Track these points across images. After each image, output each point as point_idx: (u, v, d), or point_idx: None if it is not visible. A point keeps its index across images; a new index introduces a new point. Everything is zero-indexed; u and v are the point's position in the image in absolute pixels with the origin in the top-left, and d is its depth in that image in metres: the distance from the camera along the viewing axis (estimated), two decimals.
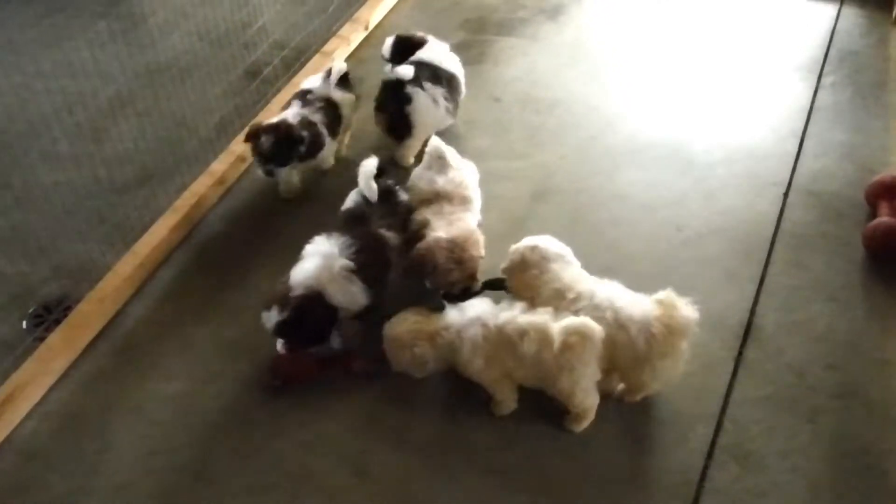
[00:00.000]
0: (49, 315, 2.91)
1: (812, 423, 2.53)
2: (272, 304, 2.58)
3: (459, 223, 2.80)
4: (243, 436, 2.55)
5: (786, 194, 3.24)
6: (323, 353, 2.70)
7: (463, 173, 3.00)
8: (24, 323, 2.89)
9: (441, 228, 2.76)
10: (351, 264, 2.62)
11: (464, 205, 2.92)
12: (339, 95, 3.33)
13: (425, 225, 2.79)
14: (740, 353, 2.70)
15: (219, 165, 3.37)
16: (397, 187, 2.99)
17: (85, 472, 2.48)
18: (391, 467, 2.47)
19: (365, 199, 2.86)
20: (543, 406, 2.50)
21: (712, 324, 2.77)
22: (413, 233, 2.82)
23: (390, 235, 2.80)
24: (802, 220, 3.15)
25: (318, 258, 2.63)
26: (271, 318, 2.56)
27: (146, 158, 3.49)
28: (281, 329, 2.58)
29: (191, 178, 3.32)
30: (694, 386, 2.62)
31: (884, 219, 2.96)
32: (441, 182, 2.92)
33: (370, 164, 2.86)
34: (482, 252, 2.77)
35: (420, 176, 3.00)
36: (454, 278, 2.71)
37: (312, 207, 3.29)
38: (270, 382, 2.66)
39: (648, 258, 3.03)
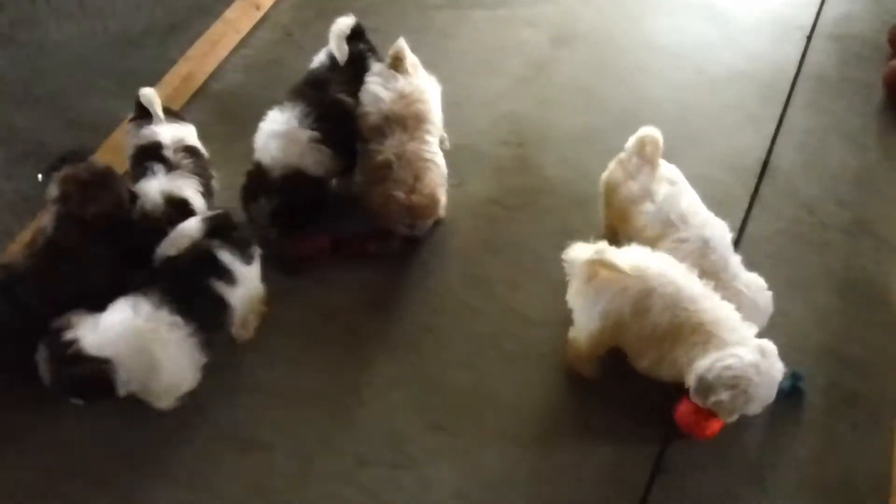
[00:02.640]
0: (65, 167, 2.93)
1: (821, 255, 2.64)
2: (255, 195, 2.48)
3: (426, 177, 2.52)
4: None
5: (809, 38, 3.22)
6: (338, 233, 2.65)
7: (421, 86, 2.67)
8: (40, 176, 2.89)
9: (402, 182, 2.48)
10: (317, 134, 2.53)
11: (421, 127, 2.60)
12: None
13: (387, 166, 2.52)
14: (756, 191, 2.77)
15: (233, 13, 3.29)
16: (370, 54, 2.80)
17: None
18: None
19: (332, 61, 2.70)
20: None
21: (730, 164, 2.85)
22: (373, 170, 2.56)
23: (350, 102, 2.65)
24: (824, 63, 3.15)
25: (282, 135, 2.51)
26: (262, 209, 2.48)
27: (158, 10, 3.39)
28: (276, 217, 2.50)
29: (204, 28, 3.25)
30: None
31: None
32: (391, 99, 2.59)
33: (344, 23, 2.68)
34: (439, 215, 2.66)
35: (369, 91, 2.65)
36: (402, 233, 2.60)
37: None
38: (286, 267, 2.58)
39: (671, 101, 3.05)
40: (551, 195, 2.80)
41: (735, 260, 2.31)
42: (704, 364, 2.06)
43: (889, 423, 2.29)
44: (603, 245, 2.18)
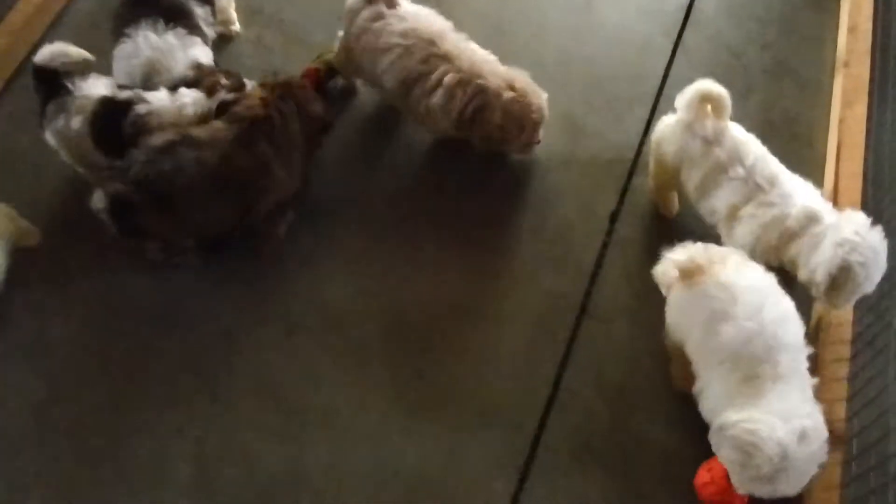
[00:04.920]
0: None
1: (745, 98, 2.63)
2: (211, 91, 2.28)
3: (512, 76, 2.33)
4: None
5: None
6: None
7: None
8: None
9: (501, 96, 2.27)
10: (184, 30, 2.37)
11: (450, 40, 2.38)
12: None
13: (480, 91, 2.28)
14: (679, 37, 2.73)
15: None
16: None
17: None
18: None
19: None
20: None
21: (653, 12, 2.80)
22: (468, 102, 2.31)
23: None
24: None
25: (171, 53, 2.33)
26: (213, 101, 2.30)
27: None
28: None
29: None
30: (631, 71, 2.68)
31: None
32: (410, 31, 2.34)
33: None
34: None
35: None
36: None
37: None
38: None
39: None
40: None
41: (827, 211, 2.08)
42: (731, 417, 1.83)
43: None
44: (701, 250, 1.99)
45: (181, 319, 2.24)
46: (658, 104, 2.59)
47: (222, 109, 2.24)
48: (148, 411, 2.11)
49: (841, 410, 2.11)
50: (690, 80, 2.57)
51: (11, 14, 2.75)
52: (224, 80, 2.28)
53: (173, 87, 2.27)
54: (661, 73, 2.66)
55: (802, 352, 1.93)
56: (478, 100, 2.30)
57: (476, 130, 2.34)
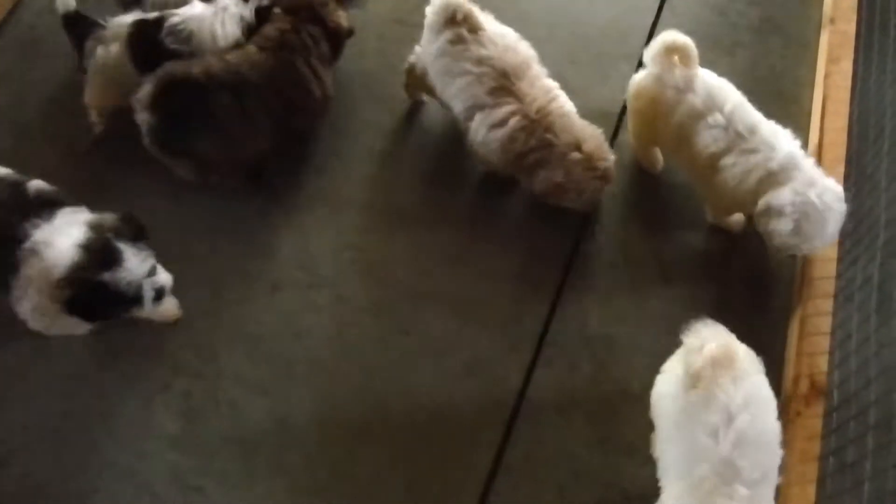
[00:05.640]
0: None
1: (731, 55, 2.63)
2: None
3: (585, 134, 2.24)
4: None
5: None
6: None
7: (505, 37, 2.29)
8: None
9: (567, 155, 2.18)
10: None
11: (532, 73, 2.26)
12: None
13: (545, 145, 2.20)
14: None
15: None
16: None
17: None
18: None
19: None
20: None
21: None
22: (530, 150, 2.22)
23: None
24: None
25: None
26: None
27: None
28: None
29: None
30: (617, 29, 2.67)
31: None
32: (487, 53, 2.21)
33: None
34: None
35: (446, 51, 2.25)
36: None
37: None
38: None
39: None
40: None
41: (807, 164, 2.11)
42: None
43: None
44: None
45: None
46: (641, 62, 2.55)
47: (262, 15, 2.32)
48: (133, 366, 2.12)
49: (823, 363, 2.14)
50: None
51: None
52: None
53: None
54: (647, 30, 2.64)
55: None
56: (540, 153, 2.21)
57: (532, 181, 2.25)
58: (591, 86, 2.56)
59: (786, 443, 1.96)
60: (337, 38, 2.38)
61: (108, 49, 2.25)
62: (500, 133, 2.19)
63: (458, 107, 2.28)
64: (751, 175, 2.09)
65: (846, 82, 2.52)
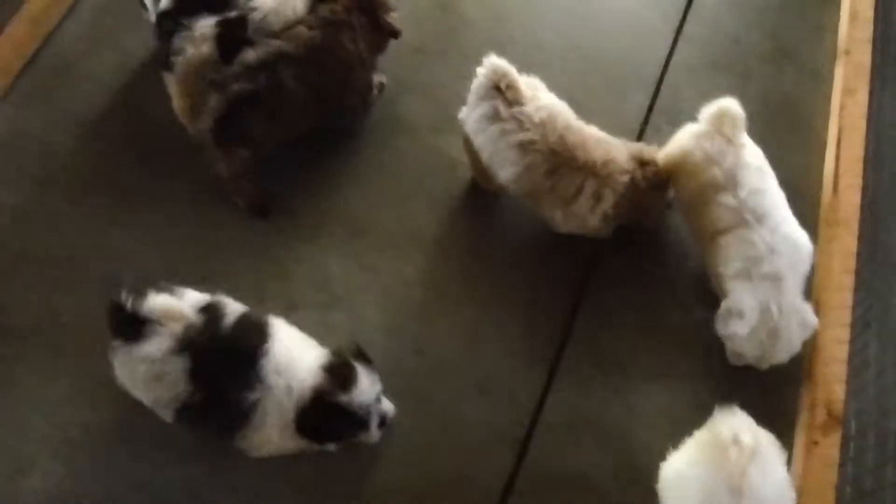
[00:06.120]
0: None
1: (745, 83, 2.66)
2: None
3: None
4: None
5: None
6: None
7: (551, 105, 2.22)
8: None
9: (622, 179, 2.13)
10: None
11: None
12: None
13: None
14: (681, 25, 2.75)
15: None
16: None
17: (30, 189, 2.48)
18: None
19: None
20: None
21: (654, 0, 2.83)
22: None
23: None
24: None
25: None
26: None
27: None
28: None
29: None
30: (633, 56, 2.70)
31: None
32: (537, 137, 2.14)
33: None
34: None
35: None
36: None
37: None
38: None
39: None
40: (471, 37, 2.75)
41: (792, 277, 2.07)
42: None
43: None
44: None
45: None
46: (659, 90, 2.61)
47: None
48: None
49: (840, 391, 2.13)
50: (690, 66, 2.69)
51: (28, 4, 2.82)
52: None
53: None
54: (661, 58, 2.68)
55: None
56: (629, 193, 2.16)
57: (627, 218, 2.25)
58: (606, 113, 2.56)
59: (803, 471, 1.95)
60: (382, 34, 2.44)
61: (200, 49, 2.33)
62: (583, 201, 2.14)
63: (515, 191, 2.23)
64: (734, 265, 2.08)
65: (862, 111, 2.54)
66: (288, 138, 2.39)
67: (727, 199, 2.07)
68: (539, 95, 2.16)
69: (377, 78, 2.58)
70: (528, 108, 2.11)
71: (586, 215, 2.16)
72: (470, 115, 2.20)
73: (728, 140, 2.10)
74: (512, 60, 2.25)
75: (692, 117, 2.47)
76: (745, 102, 2.42)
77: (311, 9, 2.38)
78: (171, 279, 2.02)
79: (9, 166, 2.49)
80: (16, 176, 2.43)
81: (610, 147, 2.18)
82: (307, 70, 2.27)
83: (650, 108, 2.58)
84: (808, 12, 2.82)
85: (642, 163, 2.19)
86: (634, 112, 2.56)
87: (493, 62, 2.12)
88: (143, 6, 2.56)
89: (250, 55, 2.26)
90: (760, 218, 2.05)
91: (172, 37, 2.34)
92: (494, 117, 2.12)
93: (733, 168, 2.08)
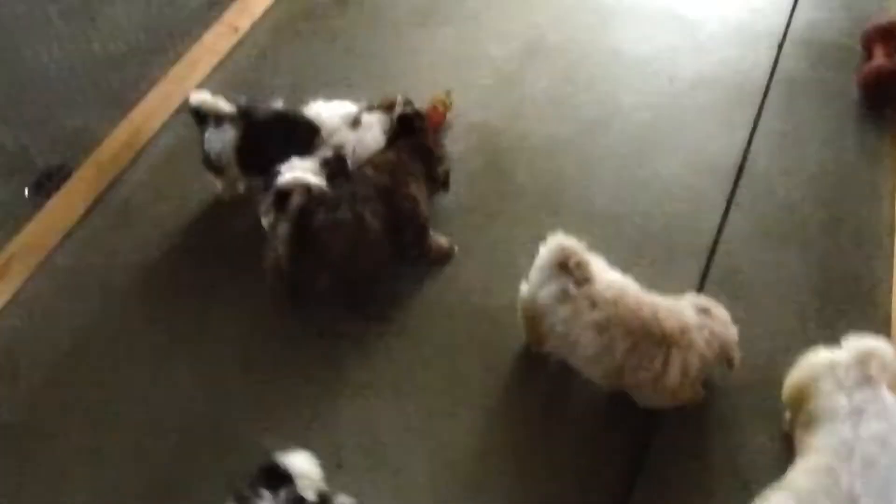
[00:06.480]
0: (49, 182, 2.92)
1: (802, 254, 2.59)
2: (389, 108, 2.69)
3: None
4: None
5: (780, 44, 3.22)
6: None
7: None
8: (27, 190, 2.92)
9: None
10: None
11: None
12: None
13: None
14: (733, 192, 2.74)
15: (211, 36, 3.34)
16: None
17: (88, 325, 2.56)
18: None
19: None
20: None
21: (706, 168, 2.84)
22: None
23: None
24: (796, 68, 3.14)
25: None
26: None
27: (139, 33, 3.40)
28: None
29: (183, 50, 3.29)
30: (686, 225, 2.68)
31: (879, 61, 2.95)
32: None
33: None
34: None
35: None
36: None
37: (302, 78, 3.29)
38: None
39: (641, 109, 3.05)
40: (524, 202, 2.79)
41: None
42: None
43: None
44: None
45: (223, 440, 2.22)
46: (713, 259, 2.56)
47: (404, 120, 2.65)
48: None
49: None
50: (744, 236, 2.65)
51: (98, 151, 2.99)
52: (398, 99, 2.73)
53: (354, 122, 2.68)
54: (714, 226, 2.65)
55: None
56: (709, 347, 2.08)
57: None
58: (659, 283, 2.40)
59: None
60: (434, 183, 2.65)
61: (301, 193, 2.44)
62: (673, 376, 2.04)
63: (591, 374, 2.16)
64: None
65: None
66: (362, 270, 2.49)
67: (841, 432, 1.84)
68: (605, 271, 2.11)
69: (445, 241, 2.64)
70: (599, 286, 2.04)
71: (676, 388, 2.06)
72: (537, 294, 2.13)
73: (868, 379, 1.89)
74: (564, 226, 2.26)
75: (748, 288, 2.46)
76: (805, 275, 2.43)
77: (399, 135, 2.63)
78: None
79: (72, 301, 2.59)
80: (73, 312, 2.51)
81: (680, 312, 2.11)
82: (378, 205, 2.43)
83: (704, 277, 2.53)
84: (862, 180, 2.78)
85: (705, 311, 2.12)
86: (688, 281, 2.50)
87: (559, 241, 2.08)
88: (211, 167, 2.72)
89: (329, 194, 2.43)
90: (866, 459, 1.78)
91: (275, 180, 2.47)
92: (565, 298, 2.06)
93: (861, 404, 1.86)
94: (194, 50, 3.32)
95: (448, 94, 2.99)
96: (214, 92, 3.09)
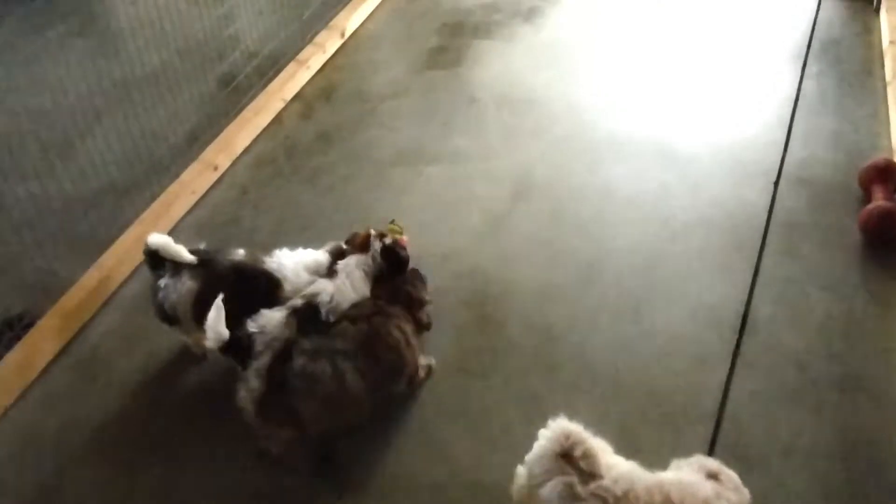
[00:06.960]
0: (10, 331, 2.73)
1: (816, 417, 2.39)
2: (364, 247, 2.55)
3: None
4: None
5: (776, 183, 3.14)
6: None
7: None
8: None
9: None
10: None
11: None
12: None
13: None
14: (737, 347, 2.58)
15: (188, 175, 3.25)
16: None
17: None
18: None
19: None
20: None
21: (707, 318, 2.68)
22: None
23: None
24: (793, 208, 3.04)
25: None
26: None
27: (114, 171, 3.32)
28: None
29: (160, 189, 3.20)
30: (690, 383, 2.49)
31: (879, 202, 2.87)
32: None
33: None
34: None
35: None
36: None
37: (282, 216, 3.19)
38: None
39: (635, 252, 2.92)
40: (516, 359, 2.60)
41: None
42: None
43: None
44: None
45: None
46: (720, 423, 2.36)
47: (388, 254, 2.54)
48: None
49: None
50: (753, 396, 2.45)
51: (64, 298, 2.82)
52: (371, 233, 2.60)
53: (330, 268, 2.53)
54: (720, 385, 2.46)
55: None
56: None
57: None
58: (665, 446, 2.29)
59: None
60: (417, 326, 2.49)
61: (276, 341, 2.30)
62: None
63: None
64: None
65: None
66: (337, 426, 2.33)
67: None
68: (608, 455, 1.89)
69: (424, 360, 2.53)
70: (608, 482, 1.81)
71: None
72: (538, 488, 1.87)
73: None
74: (559, 386, 2.08)
75: (761, 455, 2.25)
76: (821, 442, 2.23)
77: (387, 272, 2.53)
78: None
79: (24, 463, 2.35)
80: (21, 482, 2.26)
81: (693, 487, 1.87)
82: (360, 360, 2.28)
83: (713, 443, 2.32)
84: (874, 331, 2.59)
85: (715, 476, 1.89)
86: (696, 447, 2.27)
87: (561, 426, 1.84)
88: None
89: (306, 344, 2.27)
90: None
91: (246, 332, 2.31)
92: (571, 497, 1.81)
93: None
94: (172, 188, 3.22)
95: (393, 221, 2.84)
96: (189, 233, 3.02)
